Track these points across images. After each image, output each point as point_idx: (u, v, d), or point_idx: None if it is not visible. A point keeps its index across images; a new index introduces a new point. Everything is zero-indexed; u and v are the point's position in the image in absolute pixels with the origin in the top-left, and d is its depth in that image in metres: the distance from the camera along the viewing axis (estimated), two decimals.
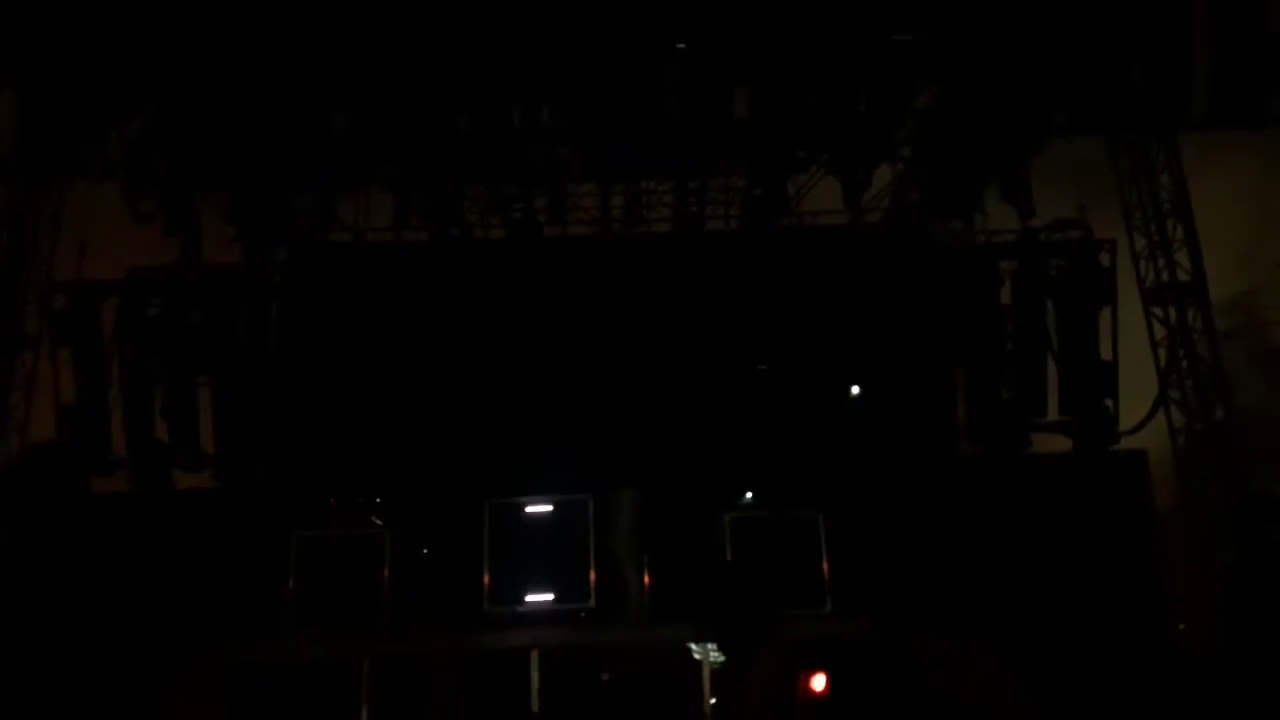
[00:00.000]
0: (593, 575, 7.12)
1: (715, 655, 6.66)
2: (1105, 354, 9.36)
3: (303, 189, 9.81)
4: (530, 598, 6.96)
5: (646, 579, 7.49)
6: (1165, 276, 9.59)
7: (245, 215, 9.75)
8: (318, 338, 9.64)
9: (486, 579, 7.06)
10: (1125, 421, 9.30)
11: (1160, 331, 9.56)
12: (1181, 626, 9.14)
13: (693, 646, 6.73)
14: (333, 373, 9.27)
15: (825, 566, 7.43)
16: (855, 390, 7.93)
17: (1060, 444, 9.30)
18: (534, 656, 6.73)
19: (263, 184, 9.53)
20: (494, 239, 10.31)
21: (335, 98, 8.96)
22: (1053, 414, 9.34)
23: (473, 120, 9.18)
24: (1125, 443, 9.25)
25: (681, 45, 8.71)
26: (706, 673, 6.63)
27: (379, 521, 7.38)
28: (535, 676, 6.70)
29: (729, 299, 9.66)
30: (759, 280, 9.81)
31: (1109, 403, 9.24)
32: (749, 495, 7.74)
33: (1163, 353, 9.50)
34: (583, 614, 7.01)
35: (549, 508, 7.15)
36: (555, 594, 7.03)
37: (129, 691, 6.40)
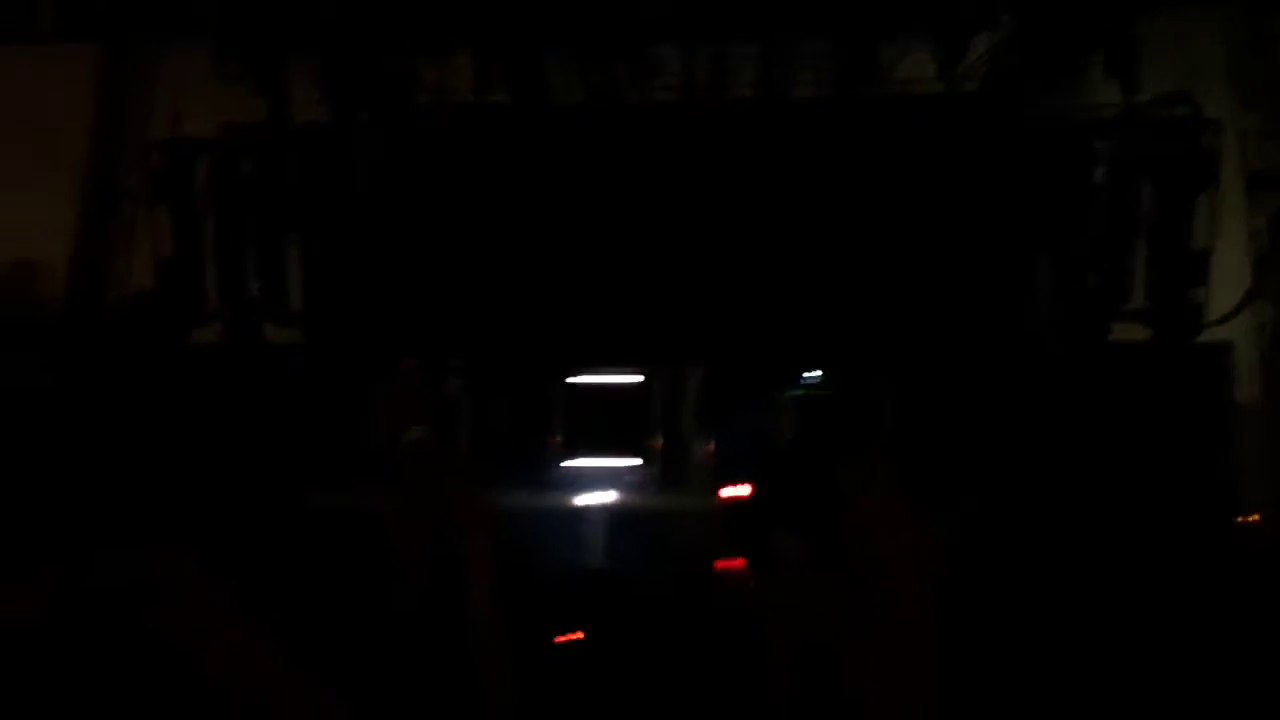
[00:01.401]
0: (658, 444, 7.34)
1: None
2: (1200, 241, 9.03)
3: (387, 50, 9.89)
4: (597, 462, 7.24)
5: (711, 448, 7.69)
6: (1274, 162, 9.13)
7: (333, 75, 9.88)
8: (401, 200, 9.84)
9: (557, 441, 7.34)
10: (1216, 312, 9.04)
11: (1260, 220, 9.16)
12: (1256, 518, 9.06)
13: None
14: (416, 236, 9.49)
15: (888, 447, 7.48)
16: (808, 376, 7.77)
17: (1142, 333, 9.10)
18: (599, 516, 7.04)
19: (347, 45, 9.63)
20: (573, 104, 10.25)
21: None
22: (1138, 302, 9.13)
23: None
24: (1212, 334, 9.01)
25: None
26: None
27: (458, 381, 7.68)
28: (600, 533, 7.03)
29: (811, 169, 9.50)
30: (844, 151, 9.60)
31: (1199, 292, 8.97)
32: (814, 374, 7.80)
33: (1261, 243, 9.13)
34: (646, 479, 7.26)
35: (618, 379, 7.34)
36: (620, 458, 7.29)
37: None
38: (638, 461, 7.17)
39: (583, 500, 7.03)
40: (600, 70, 10.05)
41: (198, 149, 9.77)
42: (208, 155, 9.78)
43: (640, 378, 7.28)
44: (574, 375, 7.39)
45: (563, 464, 7.22)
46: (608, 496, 7.03)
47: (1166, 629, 6.92)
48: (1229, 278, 9.03)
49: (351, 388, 7.69)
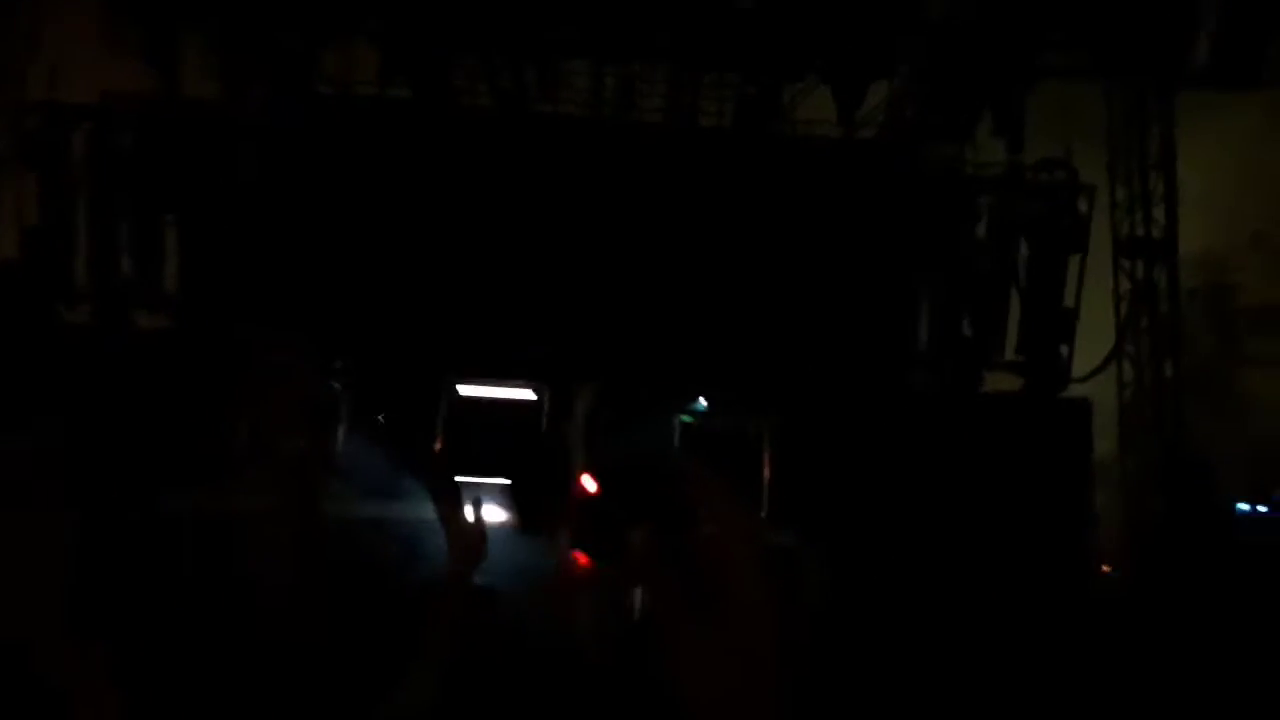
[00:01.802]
0: (541, 460, 7.28)
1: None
2: (1069, 300, 9.51)
3: (289, 32, 9.58)
4: (477, 478, 7.12)
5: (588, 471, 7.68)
6: (1140, 231, 9.69)
7: (229, 52, 9.53)
8: (290, 187, 9.52)
9: (437, 450, 7.20)
10: (1079, 368, 9.53)
11: (1125, 285, 9.71)
12: (1107, 569, 9.56)
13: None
14: (303, 226, 9.18)
15: (766, 476, 7.63)
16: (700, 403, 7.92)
17: (1011, 383, 9.52)
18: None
19: (250, 22, 9.30)
20: (480, 106, 10.13)
21: None
22: (1009, 353, 9.55)
23: None
24: (1075, 390, 9.49)
25: None
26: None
27: (336, 384, 7.45)
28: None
29: (709, 197, 9.61)
30: (742, 183, 9.75)
31: (1064, 348, 9.43)
32: (702, 401, 7.88)
33: (1125, 306, 9.67)
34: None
35: (505, 393, 7.26)
36: (503, 475, 7.19)
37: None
38: (518, 479, 7.09)
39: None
40: (509, 76, 9.99)
41: (77, 115, 9.25)
42: (87, 123, 9.28)
43: (532, 393, 7.21)
44: (460, 384, 7.26)
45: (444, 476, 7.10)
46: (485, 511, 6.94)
47: (1017, 670, 7.20)
48: (1094, 337, 9.54)
49: (222, 382, 7.37)
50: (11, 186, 9.16)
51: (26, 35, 9.46)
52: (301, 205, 9.33)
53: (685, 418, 7.60)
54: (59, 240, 9.03)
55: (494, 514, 6.96)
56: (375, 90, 9.90)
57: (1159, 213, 9.70)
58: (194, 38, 9.40)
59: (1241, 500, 9.44)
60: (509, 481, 6.99)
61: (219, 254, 9.16)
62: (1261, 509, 9.40)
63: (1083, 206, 9.62)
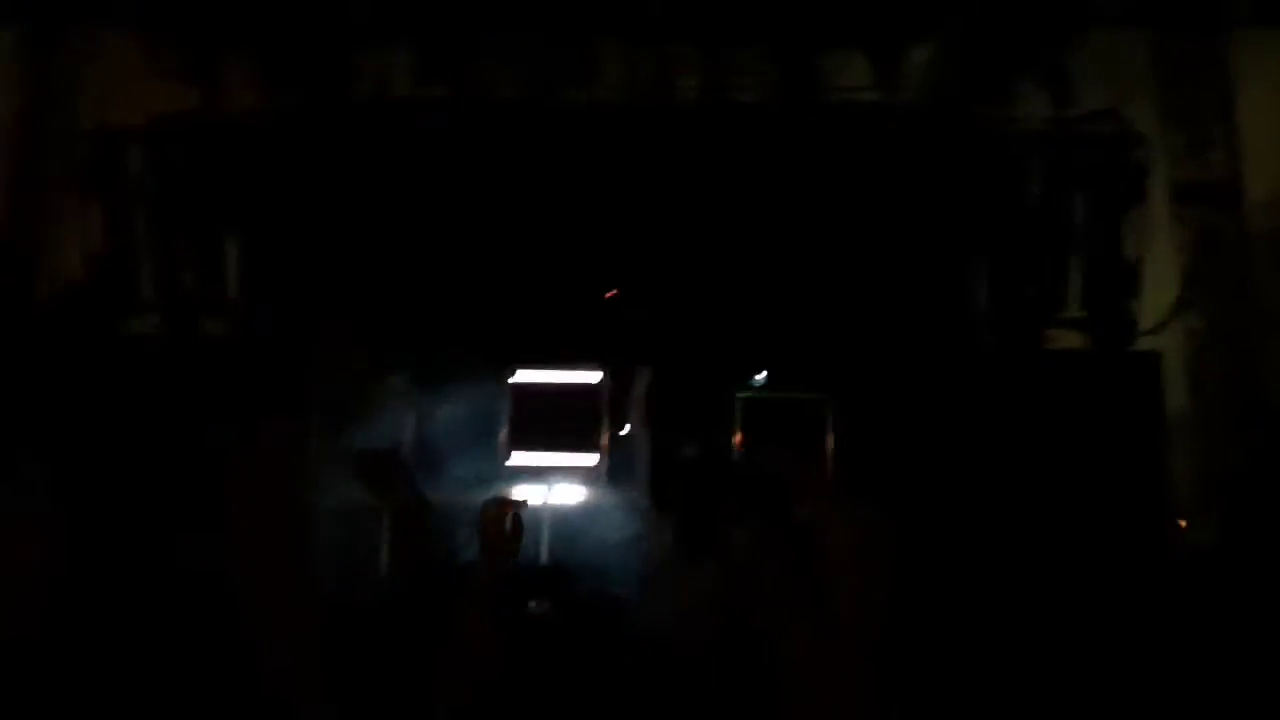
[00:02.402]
0: (604, 441, 7.31)
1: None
2: (1130, 252, 9.33)
3: (326, 42, 9.72)
4: (544, 459, 7.18)
5: (655, 448, 7.67)
6: (1199, 177, 9.47)
7: (267, 66, 9.68)
8: (337, 191, 9.65)
9: (503, 436, 7.26)
10: (1145, 321, 9.33)
11: (1188, 234, 9.49)
12: (1183, 523, 9.36)
13: None
14: (356, 228, 9.31)
15: (830, 448, 7.59)
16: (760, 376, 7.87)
17: (1077, 340, 9.35)
18: (545, 512, 6.99)
19: (285, 36, 9.45)
20: (514, 99, 10.17)
21: None
22: (1073, 310, 9.39)
23: None
24: (1142, 343, 9.30)
25: None
26: None
27: (402, 380, 7.54)
28: (545, 530, 6.98)
29: (754, 173, 9.57)
30: (787, 156, 9.70)
31: (1130, 302, 9.26)
32: (763, 375, 7.85)
33: (1188, 255, 9.46)
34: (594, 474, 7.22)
35: (565, 378, 7.29)
36: (568, 455, 7.25)
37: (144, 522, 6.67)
38: (588, 459, 7.13)
39: (530, 497, 6.97)
40: (541, 66, 10.02)
41: (128, 138, 9.46)
42: (138, 145, 9.48)
43: (592, 376, 7.23)
44: (521, 373, 7.31)
45: (510, 461, 7.14)
46: (556, 493, 6.98)
47: (1099, 632, 7.09)
48: (1158, 288, 9.34)
49: (287, 382, 7.50)
50: (75, 214, 9.40)
51: (74, 65, 9.68)
52: (350, 208, 9.46)
53: (745, 393, 7.57)
54: (122, 260, 9.26)
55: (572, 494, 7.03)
56: (411, 91, 10.01)
57: (1219, 157, 9.46)
58: (234, 55, 9.57)
59: None
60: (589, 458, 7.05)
61: (277, 260, 9.32)
62: None
63: (1138, 156, 9.43)
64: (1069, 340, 9.31)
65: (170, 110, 9.52)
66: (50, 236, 9.44)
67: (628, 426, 7.46)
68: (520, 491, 6.86)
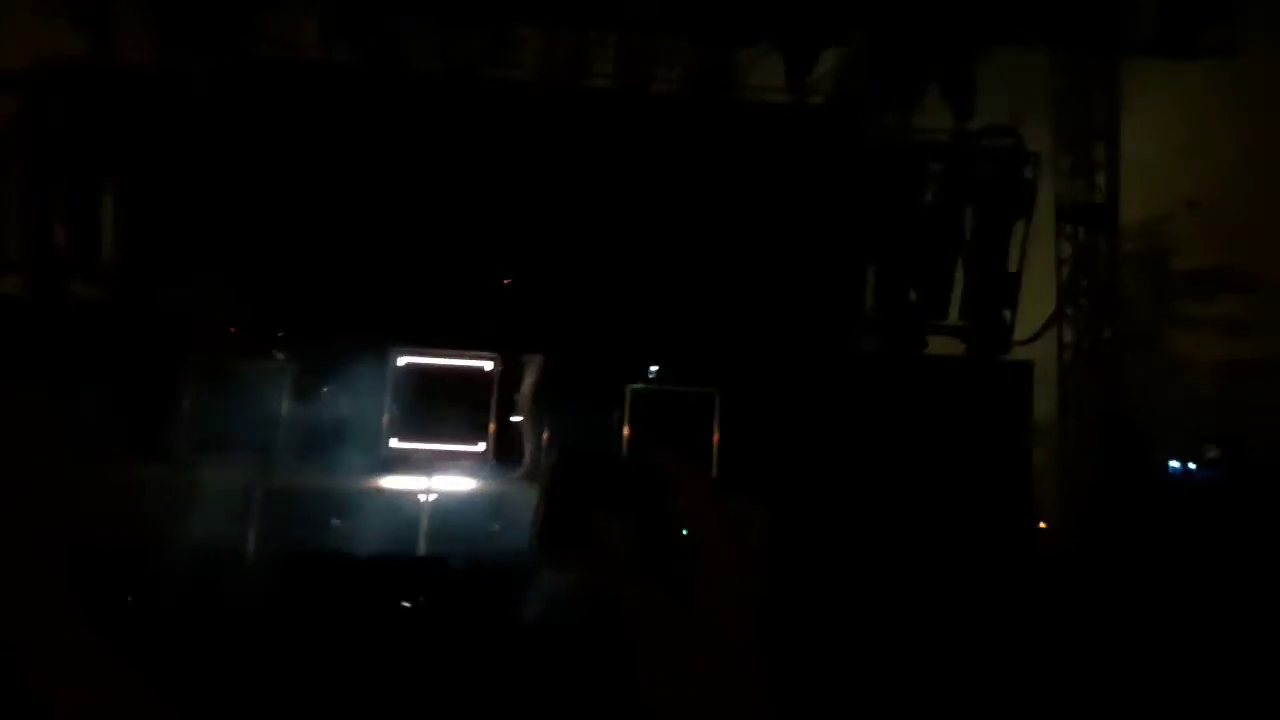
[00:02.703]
0: (492, 428, 7.26)
1: None
2: (1012, 265, 9.66)
3: None
4: (429, 445, 7.10)
5: (546, 437, 7.67)
6: (1082, 197, 9.86)
7: (167, 14, 9.27)
8: (231, 155, 9.32)
9: (386, 420, 7.14)
10: (1021, 332, 9.70)
11: (1067, 249, 9.88)
12: (1044, 524, 9.81)
13: None
14: (245, 195, 9.00)
15: (716, 440, 7.70)
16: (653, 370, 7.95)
17: (954, 347, 9.68)
18: (426, 499, 6.92)
19: None
20: (427, 72, 9.98)
21: None
22: (954, 317, 9.70)
23: None
24: (1016, 353, 9.67)
25: None
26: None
27: (280, 355, 7.34)
28: (424, 519, 6.90)
29: (661, 165, 9.58)
30: (692, 149, 9.74)
31: (1007, 313, 9.59)
32: (653, 369, 7.91)
33: (1066, 270, 9.85)
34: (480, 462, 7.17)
35: (455, 362, 7.21)
36: (454, 442, 7.18)
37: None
38: (475, 445, 7.07)
39: (412, 483, 6.89)
40: (458, 41, 9.83)
41: (5, 83, 8.95)
42: (16, 91, 8.98)
43: (483, 362, 7.16)
44: (408, 354, 7.19)
45: (393, 445, 7.04)
46: (440, 480, 6.91)
47: (963, 625, 7.36)
48: (1036, 301, 9.71)
49: (165, 354, 7.24)
50: None
51: None
52: (241, 172, 9.14)
53: (636, 385, 7.62)
54: None
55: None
56: (318, 54, 9.71)
57: (1101, 179, 9.86)
58: (128, 2, 9.13)
59: (1175, 459, 9.73)
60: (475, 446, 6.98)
61: (156, 223, 8.95)
62: (1193, 467, 9.69)
63: (1029, 173, 9.75)
64: (948, 347, 9.62)
65: (54, 55, 9.05)
66: None
67: (517, 415, 7.44)
68: (402, 480, 6.78)
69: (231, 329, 7.39)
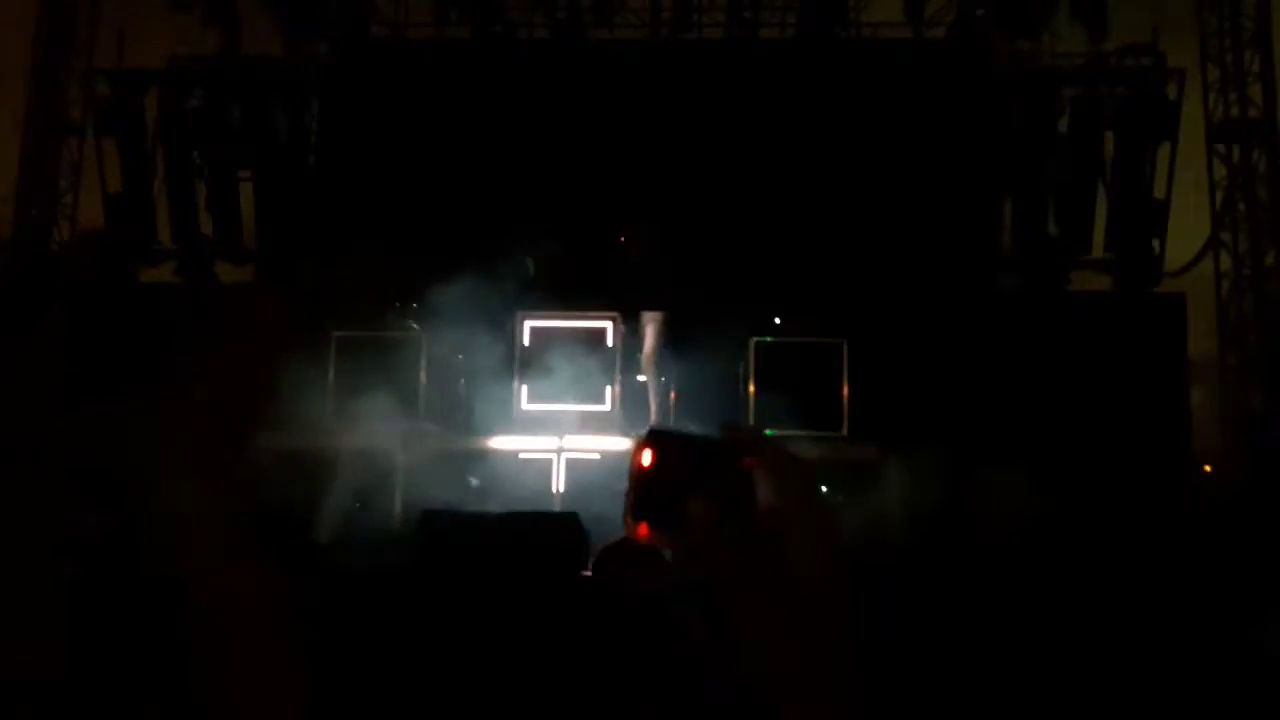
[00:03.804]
0: (616, 387, 7.28)
1: None
2: (1159, 191, 9.10)
3: None
4: (557, 406, 7.18)
5: (673, 395, 7.66)
6: (1234, 113, 9.18)
7: (285, 5, 9.61)
8: (358, 134, 9.61)
9: (517, 385, 7.25)
10: (1174, 262, 9.15)
11: (1221, 171, 9.23)
12: (1208, 468, 9.26)
13: None
14: (372, 171, 9.28)
15: (845, 392, 7.50)
16: None
17: (1100, 282, 9.20)
18: (558, 458, 7.01)
19: None
20: (537, 39, 10.04)
21: None
22: (1097, 250, 9.21)
23: None
24: (1168, 285, 9.12)
25: None
26: None
27: (415, 325, 7.55)
28: (558, 475, 7.01)
29: (777, 111, 9.40)
30: (809, 93, 9.51)
31: (1155, 242, 9.06)
32: (777, 320, 7.76)
33: (1220, 194, 9.21)
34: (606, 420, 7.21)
35: (578, 323, 7.26)
36: (581, 402, 7.23)
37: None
38: (601, 405, 7.12)
39: (543, 443, 6.99)
40: (564, 5, 9.87)
41: (145, 80, 9.44)
42: (155, 87, 9.47)
43: (603, 322, 7.19)
44: (533, 318, 7.28)
45: (524, 407, 7.15)
46: (569, 440, 7.00)
47: (1123, 578, 7.03)
48: (1190, 228, 9.13)
49: (308, 329, 7.54)
50: (91, 155, 9.44)
51: (91, 5, 9.64)
52: (367, 150, 9.43)
53: (760, 338, 7.50)
54: (140, 202, 9.29)
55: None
56: (431, 32, 9.91)
57: (1256, 92, 9.15)
58: None
59: None
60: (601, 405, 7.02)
61: (292, 204, 9.33)
62: None
63: (1171, 92, 9.16)
64: (1093, 281, 9.15)
65: (188, 53, 9.49)
66: (69, 180, 9.49)
67: (641, 372, 7.44)
68: (534, 440, 6.87)
69: (369, 300, 7.64)
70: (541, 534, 5.67)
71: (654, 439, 0.99)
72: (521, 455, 7.09)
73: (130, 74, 9.35)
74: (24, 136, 9.26)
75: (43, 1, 9.39)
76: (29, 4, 9.48)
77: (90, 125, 9.44)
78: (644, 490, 0.99)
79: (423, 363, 7.34)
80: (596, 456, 7.02)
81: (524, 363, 7.19)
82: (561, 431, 7.06)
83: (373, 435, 6.84)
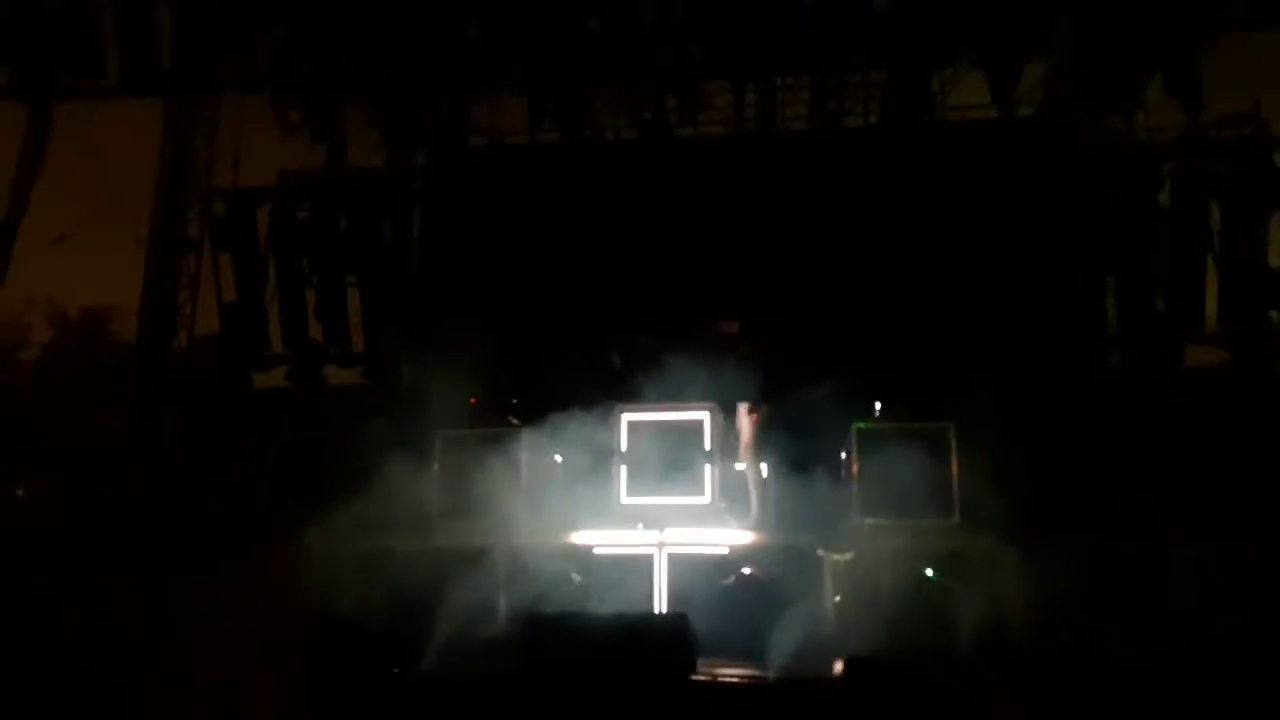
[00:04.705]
0: (714, 478, 7.18)
1: (840, 556, 6.71)
2: (1273, 262, 8.79)
3: (440, 93, 10.06)
4: (657, 499, 7.11)
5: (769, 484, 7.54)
6: None
7: (387, 120, 10.08)
8: (457, 239, 9.93)
9: (619, 478, 7.20)
10: None
11: None
12: None
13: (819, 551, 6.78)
14: (472, 274, 9.55)
15: (955, 478, 7.25)
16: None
17: (1216, 356, 8.85)
18: (660, 553, 6.91)
19: (401, 89, 9.82)
20: (626, 140, 10.30)
21: (467, 1, 9.09)
22: (1210, 326, 8.89)
23: (601, 19, 9.16)
24: None
25: None
26: (828, 572, 6.69)
27: (515, 421, 7.62)
28: (658, 572, 6.88)
29: (866, 198, 9.40)
30: (899, 178, 9.50)
31: (1274, 314, 8.71)
32: (877, 405, 7.61)
33: None
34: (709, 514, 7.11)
35: (676, 416, 7.23)
36: (680, 495, 7.15)
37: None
38: (699, 498, 7.03)
39: (645, 536, 6.91)
40: (650, 105, 10.13)
41: (258, 196, 9.97)
42: (267, 202, 9.98)
43: (699, 414, 7.15)
44: (632, 412, 7.29)
45: (624, 500, 7.10)
46: (670, 533, 6.90)
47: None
48: None
49: (414, 429, 7.68)
50: (209, 268, 9.96)
51: (208, 128, 10.25)
52: (467, 254, 9.73)
53: (861, 424, 7.35)
54: (254, 311, 9.74)
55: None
56: (525, 138, 10.26)
57: None
58: (355, 112, 9.99)
59: None
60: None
61: (399, 310, 9.64)
62: None
63: (1278, 159, 8.90)
64: (1209, 356, 8.81)
65: (297, 169, 10.00)
66: (189, 292, 9.99)
67: (739, 462, 7.36)
68: (635, 534, 6.80)
69: (471, 400, 7.76)
70: (651, 636, 5.56)
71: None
72: (622, 550, 7.01)
73: (244, 192, 9.89)
74: (147, 254, 9.81)
75: (165, 129, 10.01)
76: (153, 132, 10.12)
77: (207, 241, 9.95)
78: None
79: (522, 458, 7.37)
80: (698, 550, 6.92)
81: (623, 456, 7.16)
82: (662, 524, 6.98)
83: (476, 533, 6.87)
